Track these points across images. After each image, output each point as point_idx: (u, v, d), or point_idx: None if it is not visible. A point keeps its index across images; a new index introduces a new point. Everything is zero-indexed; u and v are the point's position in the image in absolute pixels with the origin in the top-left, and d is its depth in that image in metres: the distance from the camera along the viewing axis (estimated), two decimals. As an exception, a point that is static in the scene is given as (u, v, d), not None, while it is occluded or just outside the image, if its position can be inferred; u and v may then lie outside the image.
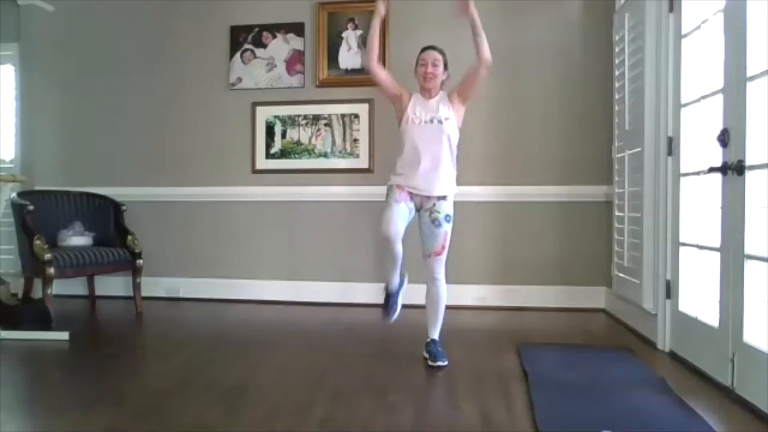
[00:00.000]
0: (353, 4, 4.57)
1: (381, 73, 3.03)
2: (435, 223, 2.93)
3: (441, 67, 2.96)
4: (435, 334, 3.00)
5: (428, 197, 2.94)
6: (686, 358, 2.92)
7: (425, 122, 2.93)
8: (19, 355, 3.18)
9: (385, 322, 3.11)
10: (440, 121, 2.92)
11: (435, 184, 2.93)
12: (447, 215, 2.96)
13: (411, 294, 3.17)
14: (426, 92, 2.99)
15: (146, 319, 4.14)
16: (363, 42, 4.48)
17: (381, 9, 2.98)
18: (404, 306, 3.12)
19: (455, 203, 3.02)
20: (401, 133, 3.00)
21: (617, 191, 3.89)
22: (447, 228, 2.95)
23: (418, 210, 2.99)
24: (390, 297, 3.07)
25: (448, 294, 3.01)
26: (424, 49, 3.02)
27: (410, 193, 2.94)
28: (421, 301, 3.05)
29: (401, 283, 3.09)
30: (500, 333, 3.65)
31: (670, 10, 3.15)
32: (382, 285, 3.09)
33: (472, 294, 4.34)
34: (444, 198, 2.96)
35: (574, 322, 3.97)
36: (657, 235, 3.24)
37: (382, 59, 4.40)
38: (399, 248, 2.87)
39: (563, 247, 4.35)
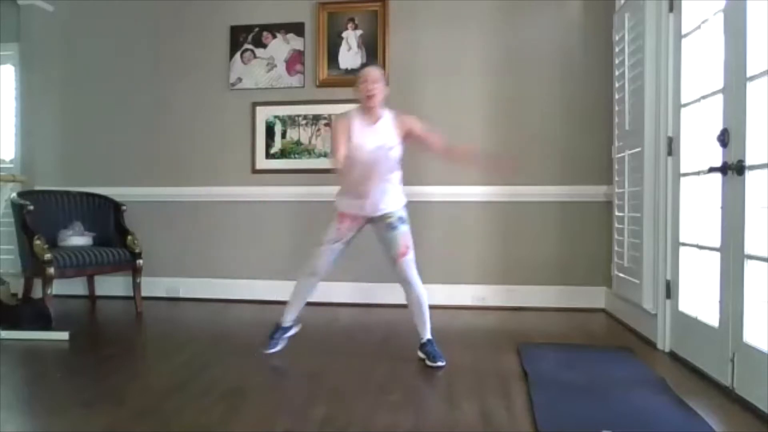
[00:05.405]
0: (353, 4, 4.57)
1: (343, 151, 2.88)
2: (390, 227, 2.94)
3: (381, 85, 2.93)
4: (428, 334, 2.99)
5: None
6: (686, 358, 2.91)
7: (372, 150, 2.87)
8: (19, 355, 3.18)
9: (260, 352, 3.06)
10: (388, 149, 2.89)
11: (382, 204, 2.93)
12: (400, 217, 2.96)
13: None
14: (368, 111, 2.93)
15: (146, 319, 4.14)
16: (363, 42, 4.50)
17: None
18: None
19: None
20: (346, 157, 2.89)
21: (617, 191, 3.89)
22: (404, 228, 2.95)
23: (368, 223, 2.99)
24: (277, 331, 3.10)
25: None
26: (363, 67, 3.15)
27: (355, 216, 2.96)
28: None
29: (293, 327, 3.13)
30: (500, 333, 3.65)
31: (670, 10, 3.15)
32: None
33: (472, 294, 4.33)
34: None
35: (574, 322, 3.97)
36: (657, 235, 3.24)
37: (383, 59, 4.43)
38: (317, 283, 3.00)
39: (563, 247, 4.35)
